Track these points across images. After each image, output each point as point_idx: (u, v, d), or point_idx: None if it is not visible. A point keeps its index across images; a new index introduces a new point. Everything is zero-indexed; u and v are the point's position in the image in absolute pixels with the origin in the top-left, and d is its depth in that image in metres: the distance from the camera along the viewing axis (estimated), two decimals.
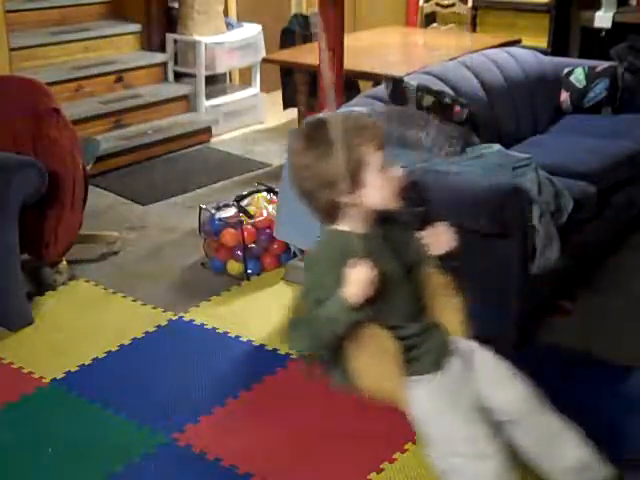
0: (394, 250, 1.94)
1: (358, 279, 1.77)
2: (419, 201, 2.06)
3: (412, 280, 1.97)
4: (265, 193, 4.07)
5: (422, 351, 1.93)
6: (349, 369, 1.90)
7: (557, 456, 1.96)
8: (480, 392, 1.94)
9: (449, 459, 1.88)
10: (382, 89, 3.72)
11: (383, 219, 1.94)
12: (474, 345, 2.04)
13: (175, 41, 5.93)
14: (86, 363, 3.15)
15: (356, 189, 1.84)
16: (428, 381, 1.92)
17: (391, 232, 1.96)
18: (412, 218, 2.05)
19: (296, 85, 5.06)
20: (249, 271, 3.84)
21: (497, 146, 3.28)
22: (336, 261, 1.83)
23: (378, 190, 1.85)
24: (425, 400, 1.91)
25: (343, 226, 1.91)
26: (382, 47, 5.14)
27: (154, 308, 3.56)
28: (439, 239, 1.98)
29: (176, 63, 5.97)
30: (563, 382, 3.01)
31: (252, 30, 6.17)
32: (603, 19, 5.84)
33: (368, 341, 1.86)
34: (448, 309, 2.00)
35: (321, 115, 1.91)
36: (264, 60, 5.55)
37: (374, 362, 1.86)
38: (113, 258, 4.06)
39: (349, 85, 4.72)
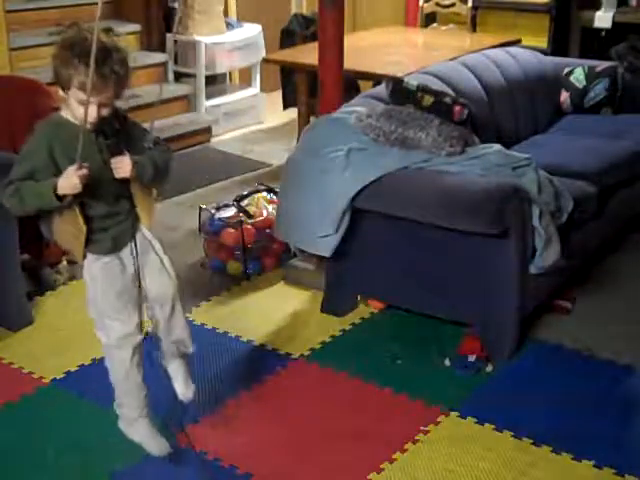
0: (101, 151, 2.31)
1: (73, 180, 2.15)
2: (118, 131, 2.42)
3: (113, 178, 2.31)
4: (265, 193, 4.07)
5: (106, 235, 2.37)
6: (51, 228, 2.38)
7: (170, 334, 2.57)
8: (142, 276, 2.45)
9: (99, 318, 2.44)
10: (382, 89, 3.72)
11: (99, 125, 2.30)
12: (153, 238, 2.49)
13: (175, 41, 5.93)
14: (86, 363, 3.15)
15: (65, 91, 2.30)
16: (100, 260, 2.39)
17: (101, 139, 2.32)
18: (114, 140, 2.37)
19: (296, 85, 5.06)
20: (249, 271, 3.84)
21: (497, 146, 3.27)
22: (54, 139, 2.25)
23: (74, 105, 2.27)
24: (94, 273, 2.40)
25: (66, 113, 2.33)
26: (382, 47, 5.14)
27: None
28: (121, 166, 2.29)
29: (176, 63, 5.98)
30: (563, 382, 3.01)
31: (252, 30, 6.18)
32: (603, 19, 5.85)
33: (66, 216, 2.30)
34: (142, 202, 2.41)
35: (79, 25, 2.50)
36: (264, 60, 5.55)
37: (68, 232, 2.35)
38: None
39: (349, 85, 4.72)
